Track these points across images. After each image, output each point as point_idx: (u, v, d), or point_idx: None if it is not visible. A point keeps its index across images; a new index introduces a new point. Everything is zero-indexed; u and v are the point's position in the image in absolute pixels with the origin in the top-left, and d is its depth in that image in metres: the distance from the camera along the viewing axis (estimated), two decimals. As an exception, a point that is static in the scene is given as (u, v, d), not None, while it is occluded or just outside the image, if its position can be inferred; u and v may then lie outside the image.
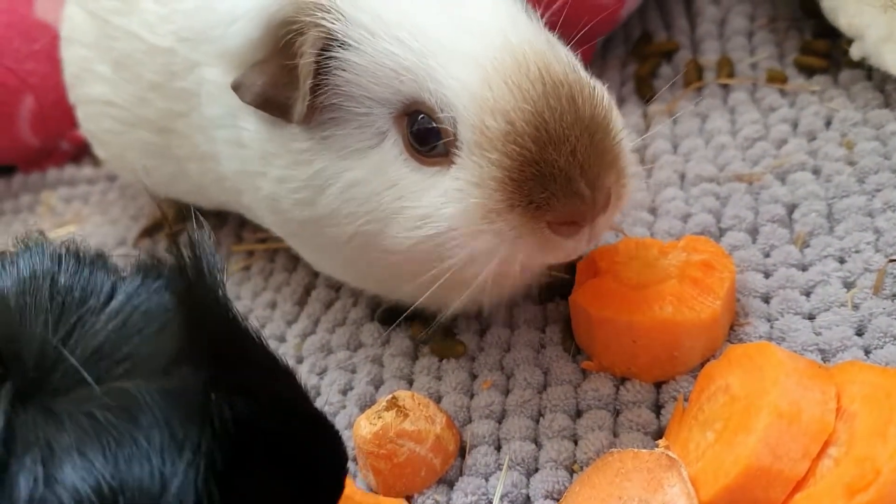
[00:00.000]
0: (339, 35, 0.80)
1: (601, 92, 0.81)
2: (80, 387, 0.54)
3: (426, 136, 0.80)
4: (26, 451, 0.50)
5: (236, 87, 0.87)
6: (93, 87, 1.20)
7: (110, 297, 0.60)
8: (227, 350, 0.58)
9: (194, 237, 0.61)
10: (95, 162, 1.54)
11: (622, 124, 0.83)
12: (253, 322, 0.65)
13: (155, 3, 1.06)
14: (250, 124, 0.91)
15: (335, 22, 0.80)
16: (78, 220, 1.50)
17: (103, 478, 0.50)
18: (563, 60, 0.80)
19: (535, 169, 0.75)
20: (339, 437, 0.70)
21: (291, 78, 0.83)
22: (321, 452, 0.67)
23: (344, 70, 0.81)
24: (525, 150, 0.75)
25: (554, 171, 0.75)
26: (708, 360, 0.92)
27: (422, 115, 0.80)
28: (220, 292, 0.61)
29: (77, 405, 0.53)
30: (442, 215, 0.80)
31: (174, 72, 1.03)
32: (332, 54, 0.81)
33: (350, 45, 0.80)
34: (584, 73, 0.82)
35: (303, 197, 0.88)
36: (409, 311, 0.94)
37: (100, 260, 0.64)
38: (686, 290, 0.90)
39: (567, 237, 0.79)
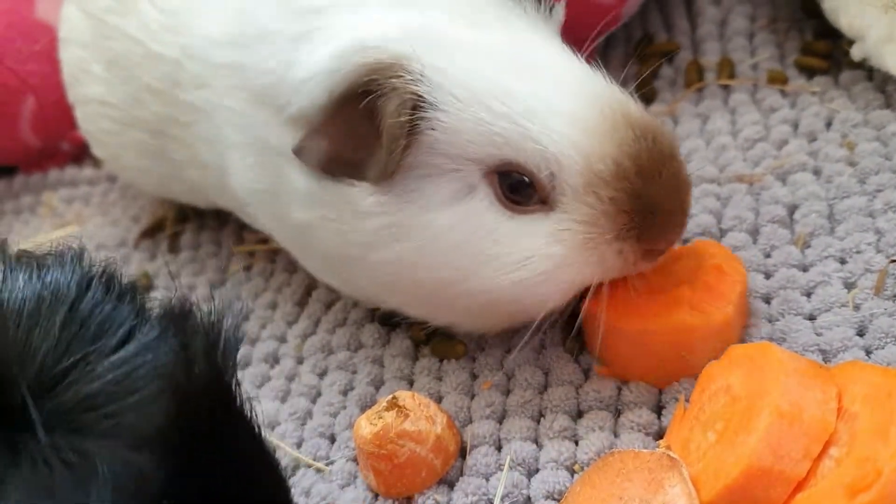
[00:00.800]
0: (426, 97, 0.82)
1: (667, 127, 0.90)
2: (61, 429, 0.51)
3: (521, 188, 0.85)
4: None
5: (298, 152, 0.87)
6: (89, 87, 1.20)
7: (123, 342, 0.56)
8: (207, 447, 0.55)
9: (222, 307, 0.58)
10: (96, 163, 1.54)
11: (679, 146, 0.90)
12: (254, 414, 0.62)
13: (156, 11, 1.05)
14: (299, 177, 0.91)
15: (420, 84, 0.82)
16: (79, 221, 1.50)
17: None
18: (636, 105, 0.87)
19: (642, 202, 0.83)
20: None
21: (361, 138, 0.84)
22: None
23: (433, 129, 0.83)
24: (633, 185, 0.82)
25: (658, 203, 0.83)
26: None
27: (515, 174, 0.84)
28: (228, 380, 0.58)
29: (44, 450, 0.50)
30: (547, 253, 0.85)
31: (178, 82, 1.03)
32: (422, 115, 0.83)
33: (438, 107, 0.83)
34: (648, 113, 0.89)
35: (359, 240, 0.89)
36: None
37: (129, 294, 0.60)
38: (699, 296, 0.90)
39: (653, 258, 0.88)
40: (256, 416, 0.61)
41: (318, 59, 0.86)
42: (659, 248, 0.86)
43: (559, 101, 0.83)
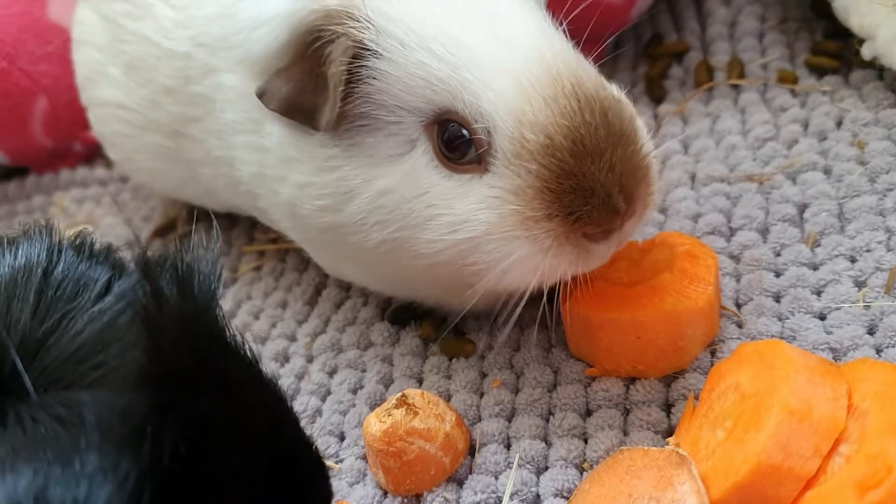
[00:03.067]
0: (370, 45, 0.81)
1: (628, 106, 0.83)
2: (50, 391, 0.52)
3: (457, 144, 0.82)
4: None
5: (261, 94, 0.87)
6: (104, 89, 1.20)
7: (102, 294, 0.57)
8: (197, 377, 0.54)
9: (195, 244, 0.58)
10: (108, 163, 1.55)
11: (646, 133, 0.85)
12: (248, 344, 0.61)
13: (170, 9, 1.06)
14: (273, 130, 0.91)
15: (366, 31, 0.81)
16: (90, 221, 1.51)
17: (26, 495, 0.48)
18: (593, 76, 0.82)
19: (574, 182, 0.78)
20: (325, 474, 0.65)
21: (318, 85, 0.83)
22: (300, 485, 0.62)
23: (375, 79, 0.82)
24: (564, 163, 0.78)
25: (594, 185, 0.78)
26: (709, 348, 0.93)
27: (453, 124, 0.82)
28: (205, 309, 0.57)
29: (34, 410, 0.51)
30: (477, 220, 0.81)
31: (189, 76, 1.03)
32: (363, 63, 0.82)
33: (381, 55, 0.81)
34: (611, 88, 0.84)
35: (326, 203, 0.89)
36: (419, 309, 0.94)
37: (104, 254, 0.62)
38: (680, 281, 0.91)
39: (599, 243, 0.82)
40: (249, 344, 0.60)
41: (276, 4, 0.86)
42: (595, 232, 0.81)
43: (505, 59, 0.80)
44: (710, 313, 0.92)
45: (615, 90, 0.85)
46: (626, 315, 0.90)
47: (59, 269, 0.58)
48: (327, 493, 0.66)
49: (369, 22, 0.81)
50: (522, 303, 0.85)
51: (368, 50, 0.81)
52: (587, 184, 0.78)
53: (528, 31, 0.82)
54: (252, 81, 0.91)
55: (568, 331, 0.97)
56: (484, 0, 0.84)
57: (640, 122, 0.85)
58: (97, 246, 0.62)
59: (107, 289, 0.58)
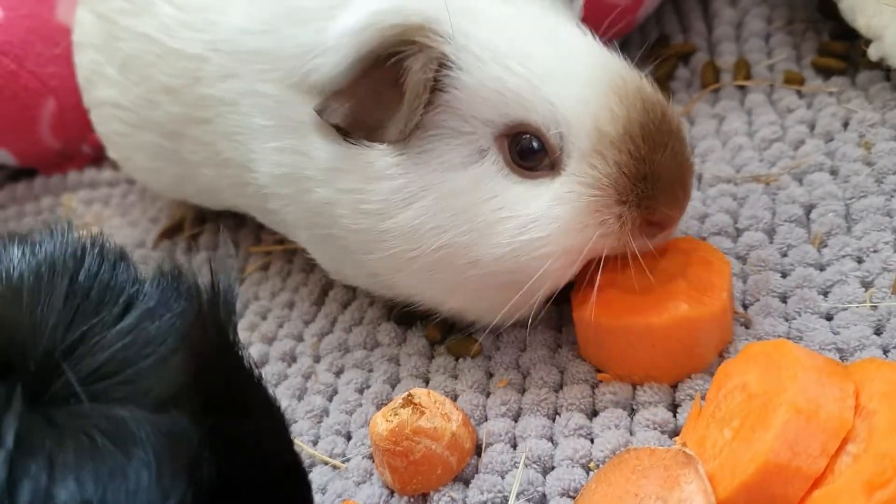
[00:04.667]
0: (452, 57, 0.86)
1: (675, 110, 0.91)
2: (76, 400, 0.52)
3: (529, 153, 0.88)
4: (31, 457, 0.49)
5: (320, 111, 0.90)
6: (102, 90, 1.20)
7: (125, 310, 0.57)
8: (226, 399, 0.56)
9: (215, 267, 0.59)
10: (115, 165, 1.55)
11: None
12: (254, 365, 0.63)
13: (174, 8, 1.06)
14: (317, 136, 0.93)
15: (447, 45, 0.86)
16: (98, 222, 1.51)
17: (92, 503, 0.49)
18: (648, 80, 0.90)
19: (647, 168, 0.86)
20: (310, 487, 0.70)
21: (383, 101, 0.87)
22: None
23: (455, 89, 0.86)
24: (639, 150, 0.85)
25: (661, 172, 0.86)
26: (722, 353, 0.92)
27: (525, 136, 0.87)
28: (231, 333, 0.59)
29: (75, 420, 0.51)
30: (550, 216, 0.87)
31: (199, 78, 1.03)
32: (445, 73, 0.86)
33: (461, 68, 0.86)
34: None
35: (374, 208, 0.91)
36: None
37: (123, 262, 0.61)
38: (694, 287, 0.90)
39: (652, 238, 0.89)
40: (256, 367, 0.63)
41: (345, 24, 0.88)
42: (657, 218, 0.87)
43: (575, 68, 0.87)
44: (724, 320, 0.91)
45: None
46: (640, 322, 0.89)
47: (84, 277, 0.58)
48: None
49: (450, 36, 0.86)
50: (551, 299, 0.91)
51: (450, 62, 0.86)
52: (657, 169, 0.86)
53: (590, 47, 0.90)
54: (294, 92, 0.93)
55: (580, 337, 0.96)
56: (545, 23, 0.91)
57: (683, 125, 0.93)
58: (114, 249, 0.62)
59: (128, 305, 0.57)
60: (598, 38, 0.93)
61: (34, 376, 0.52)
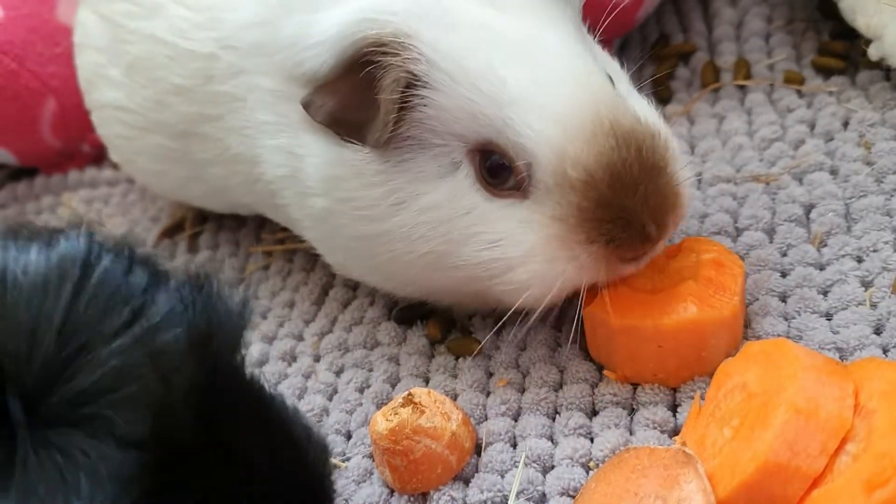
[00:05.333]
0: (421, 76, 0.85)
1: (664, 136, 0.88)
2: (57, 427, 0.52)
3: (499, 171, 0.87)
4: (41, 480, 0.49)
5: (306, 105, 0.90)
6: (105, 92, 1.20)
7: (129, 324, 0.55)
8: (201, 443, 0.55)
9: (231, 298, 0.59)
10: (116, 164, 1.55)
11: (682, 158, 0.90)
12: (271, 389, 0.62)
13: (185, 9, 1.06)
14: (310, 140, 0.94)
15: (417, 63, 0.85)
16: (98, 222, 1.51)
17: None
18: (629, 111, 0.86)
19: (612, 213, 0.84)
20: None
21: (364, 101, 0.87)
22: None
23: (425, 106, 0.86)
24: (602, 196, 0.83)
25: (630, 217, 0.84)
26: (731, 356, 0.92)
27: (495, 155, 0.86)
28: (235, 363, 0.58)
29: (38, 450, 0.51)
30: (517, 240, 0.87)
31: (211, 76, 1.04)
32: (415, 92, 0.85)
33: (431, 86, 0.85)
34: (650, 119, 0.89)
35: (370, 213, 0.92)
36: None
37: (140, 266, 0.59)
38: (705, 290, 0.90)
39: (632, 263, 0.89)
40: (282, 400, 0.61)
41: (329, 24, 0.88)
42: (630, 255, 0.87)
43: (547, 98, 0.84)
44: (734, 323, 0.91)
45: (652, 117, 0.90)
46: (649, 323, 0.89)
47: (96, 277, 0.56)
48: None
49: (421, 54, 0.85)
50: (540, 311, 0.89)
51: (419, 80, 0.85)
52: (624, 215, 0.84)
53: (570, 70, 0.86)
54: (291, 86, 0.94)
55: (589, 335, 0.96)
56: (529, 37, 0.87)
57: (676, 149, 0.90)
58: (132, 253, 0.60)
59: (133, 318, 0.56)
60: (592, 41, 0.91)
61: (33, 388, 0.52)
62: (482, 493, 0.88)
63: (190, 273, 0.61)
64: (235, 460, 0.59)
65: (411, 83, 0.85)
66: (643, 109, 0.91)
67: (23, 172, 1.67)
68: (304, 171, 0.96)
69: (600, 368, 0.96)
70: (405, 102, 0.85)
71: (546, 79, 0.85)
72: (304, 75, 0.91)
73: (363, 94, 0.86)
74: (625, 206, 0.84)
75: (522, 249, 0.87)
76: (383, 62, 0.85)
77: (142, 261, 0.60)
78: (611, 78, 0.92)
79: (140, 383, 0.54)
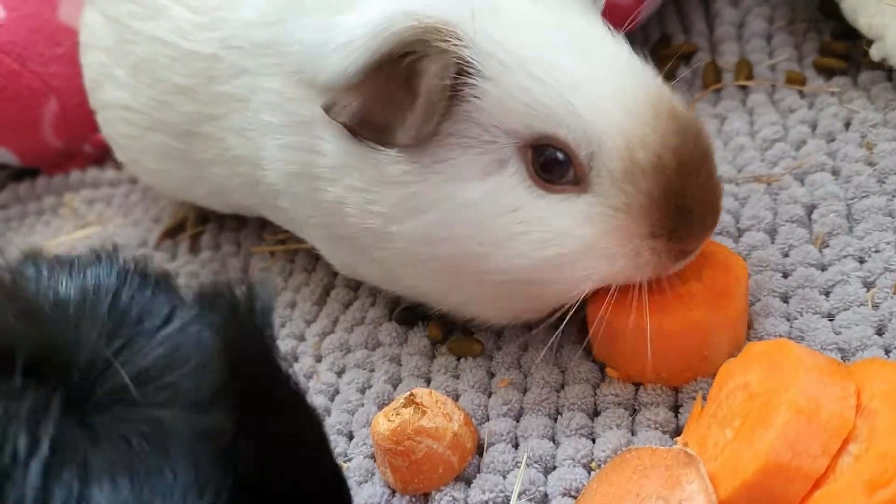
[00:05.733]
0: (473, 63, 0.81)
1: (704, 125, 0.88)
2: (119, 406, 0.54)
3: (554, 165, 0.83)
4: (64, 464, 0.51)
5: (328, 108, 0.86)
6: (111, 92, 1.20)
7: (166, 321, 0.59)
8: (263, 399, 0.58)
9: (253, 279, 0.61)
10: (118, 164, 1.55)
11: None
12: (293, 373, 0.65)
13: (188, 11, 1.06)
14: (329, 137, 0.91)
15: (469, 50, 0.81)
16: (100, 222, 1.51)
17: None
18: (680, 99, 0.86)
19: (679, 201, 0.82)
20: (349, 495, 0.70)
21: (395, 99, 0.83)
22: None
23: (476, 97, 0.82)
24: (672, 182, 0.81)
25: (693, 204, 0.82)
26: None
27: (550, 149, 0.83)
28: (268, 339, 0.60)
29: (115, 425, 0.53)
30: (576, 235, 0.83)
31: (213, 76, 1.03)
32: (466, 80, 0.82)
33: (484, 75, 0.81)
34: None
35: (384, 211, 0.88)
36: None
37: (164, 281, 0.64)
38: (709, 290, 0.90)
39: (684, 259, 0.87)
40: (294, 376, 0.64)
41: (358, 23, 0.85)
42: (689, 248, 0.85)
43: (608, 82, 0.82)
44: (737, 325, 0.91)
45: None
46: (652, 323, 0.88)
47: (126, 295, 0.60)
48: None
49: (471, 41, 0.81)
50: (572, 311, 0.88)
51: (472, 68, 0.81)
52: (689, 202, 0.82)
53: (625, 61, 0.85)
54: (303, 88, 0.91)
55: (593, 334, 0.96)
56: (576, 28, 0.86)
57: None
58: (157, 273, 0.65)
59: (169, 317, 0.60)
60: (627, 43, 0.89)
61: (76, 385, 0.53)
62: (484, 493, 0.88)
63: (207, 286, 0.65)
64: (288, 418, 0.63)
65: (463, 70, 0.81)
66: None
67: (24, 173, 1.67)
68: (315, 163, 0.93)
69: (602, 369, 0.96)
70: (454, 92, 0.81)
71: (603, 66, 0.83)
72: (327, 79, 0.88)
73: (396, 92, 0.82)
74: (689, 194, 0.82)
75: (580, 245, 0.83)
76: (429, 50, 0.80)
77: (162, 278, 0.64)
78: None
79: (192, 362, 0.57)
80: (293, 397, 0.64)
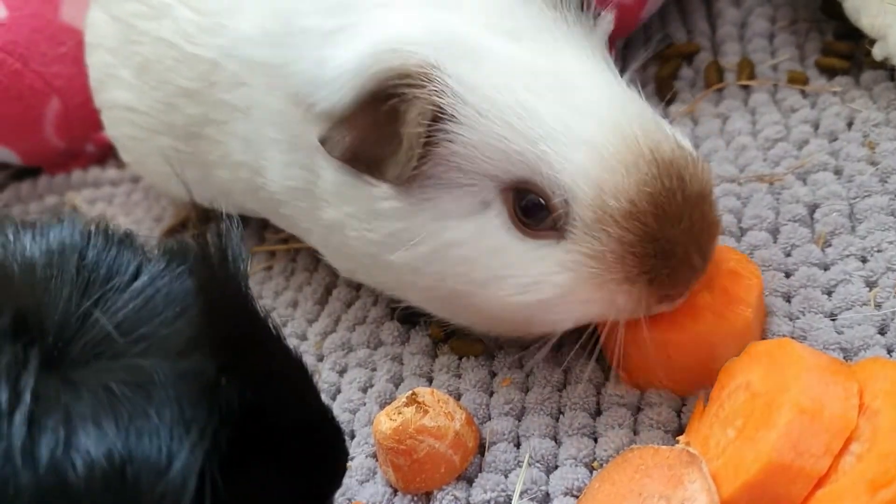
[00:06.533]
0: (448, 109, 0.81)
1: (700, 162, 0.85)
2: (97, 360, 0.55)
3: (535, 210, 0.83)
4: (48, 415, 0.52)
5: (323, 141, 0.87)
6: (116, 92, 1.20)
7: (135, 276, 0.60)
8: (241, 339, 0.59)
9: (222, 227, 0.62)
10: (120, 164, 1.55)
11: (713, 179, 0.87)
12: (272, 315, 0.66)
13: (192, 12, 1.05)
14: (327, 167, 0.92)
15: (444, 96, 0.81)
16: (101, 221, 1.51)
17: (115, 447, 0.52)
18: (669, 137, 0.83)
19: (657, 245, 0.80)
20: (342, 434, 0.71)
21: (384, 138, 0.83)
22: (323, 448, 0.69)
23: (451, 142, 0.82)
24: (647, 227, 0.80)
25: (675, 248, 0.80)
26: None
27: (531, 194, 0.82)
28: (242, 282, 0.62)
29: (95, 376, 0.54)
30: (552, 283, 0.83)
31: (215, 82, 1.03)
32: (440, 126, 0.82)
33: (458, 121, 0.81)
34: (685, 145, 0.85)
35: (380, 240, 0.90)
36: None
37: (128, 239, 0.65)
38: (717, 301, 0.89)
39: (669, 302, 0.85)
40: (272, 319, 0.65)
41: (345, 59, 0.85)
42: (672, 294, 0.84)
43: (582, 129, 0.81)
44: (747, 335, 0.89)
45: (678, 137, 0.86)
46: (659, 334, 0.87)
47: (92, 252, 0.61)
48: (345, 451, 0.72)
49: (447, 86, 0.81)
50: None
51: (446, 114, 0.82)
52: (669, 246, 0.80)
53: (604, 99, 0.83)
54: (301, 111, 0.91)
55: (603, 341, 0.94)
56: (559, 67, 0.84)
57: (708, 171, 0.86)
58: (120, 231, 0.65)
59: (137, 272, 0.61)
60: (617, 74, 0.87)
61: (52, 344, 0.54)
62: (486, 492, 0.88)
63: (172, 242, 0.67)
64: (269, 356, 0.64)
65: (437, 117, 0.81)
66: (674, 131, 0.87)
67: (26, 172, 1.67)
68: (316, 183, 0.94)
69: (604, 369, 0.96)
70: (430, 137, 0.81)
71: (579, 108, 0.82)
72: (321, 112, 0.88)
73: (384, 129, 0.83)
74: (669, 237, 0.80)
75: (557, 292, 0.83)
76: (407, 94, 0.81)
77: (125, 236, 0.65)
78: None
79: (167, 312, 0.58)
80: (272, 338, 0.65)
